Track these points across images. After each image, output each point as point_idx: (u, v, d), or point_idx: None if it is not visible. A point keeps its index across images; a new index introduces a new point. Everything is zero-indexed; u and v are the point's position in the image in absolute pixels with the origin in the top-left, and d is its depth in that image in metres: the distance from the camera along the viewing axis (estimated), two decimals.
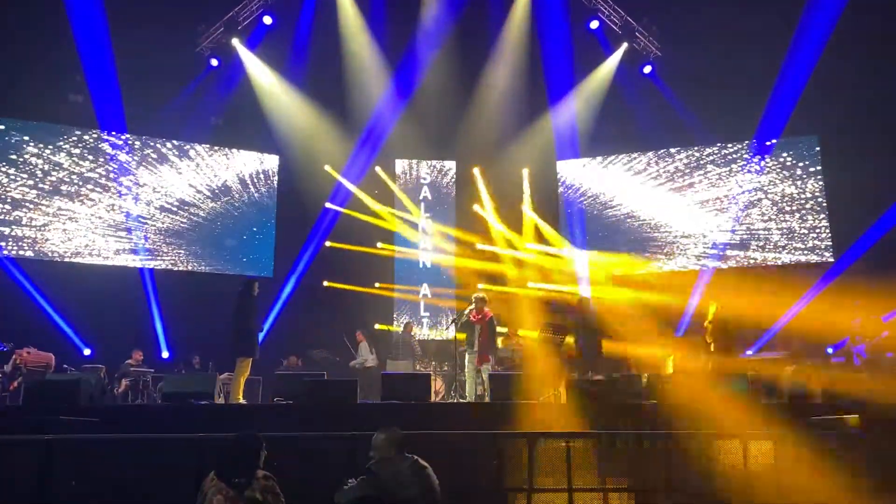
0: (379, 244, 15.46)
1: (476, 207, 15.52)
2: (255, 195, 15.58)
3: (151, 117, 14.32)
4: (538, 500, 5.56)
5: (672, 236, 15.21)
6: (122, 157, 14.50)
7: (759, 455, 5.93)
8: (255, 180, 15.62)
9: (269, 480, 3.93)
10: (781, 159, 14.71)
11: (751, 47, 13.44)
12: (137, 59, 13.38)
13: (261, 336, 9.67)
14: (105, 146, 14.39)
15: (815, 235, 14.22)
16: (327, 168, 15.26)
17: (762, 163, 14.82)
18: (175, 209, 14.77)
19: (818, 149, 14.47)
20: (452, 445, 5.98)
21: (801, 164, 14.57)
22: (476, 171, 15.68)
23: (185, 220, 14.83)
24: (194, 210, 14.94)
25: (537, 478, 5.68)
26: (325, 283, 14.62)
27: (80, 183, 14.05)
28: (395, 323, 15.40)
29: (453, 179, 16.61)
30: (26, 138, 13.74)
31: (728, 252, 14.76)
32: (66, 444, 5.78)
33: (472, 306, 10.12)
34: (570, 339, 10.08)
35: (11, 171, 13.54)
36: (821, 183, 14.33)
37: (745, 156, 14.96)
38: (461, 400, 10.09)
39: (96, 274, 13.69)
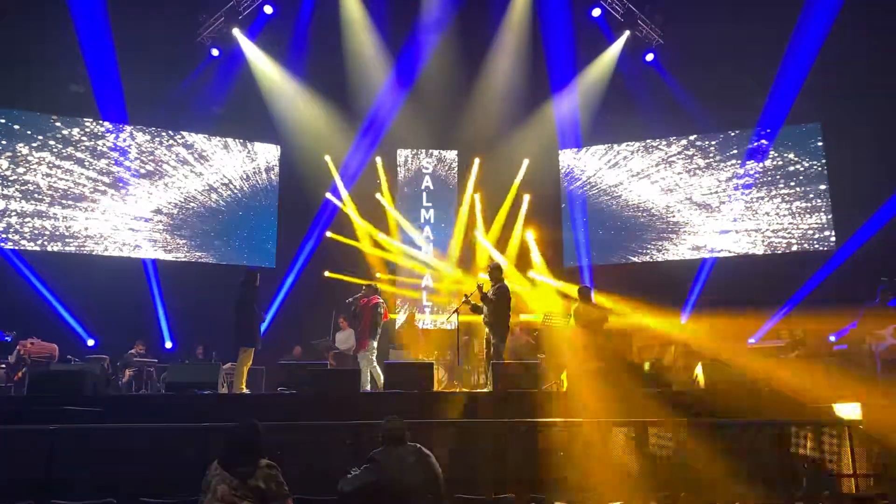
0: (381, 235, 15.47)
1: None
2: (257, 185, 15.58)
3: (152, 107, 14.29)
4: None
5: (674, 224, 15.19)
6: (124, 147, 14.49)
7: None
8: (257, 170, 15.61)
9: (273, 469, 3.95)
10: (784, 147, 14.65)
11: (753, 34, 13.37)
12: (138, 49, 13.36)
13: (263, 326, 9.71)
14: (106, 137, 14.38)
15: (817, 223, 14.19)
16: (327, 159, 15.30)
17: (765, 150, 14.77)
18: (176, 199, 14.77)
19: (821, 136, 14.42)
20: (455, 433, 6.00)
21: (803, 152, 14.52)
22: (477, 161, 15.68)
23: (186, 211, 14.83)
24: (195, 200, 14.94)
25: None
26: (327, 274, 14.60)
27: (82, 174, 14.05)
28: (398, 312, 15.41)
29: (455, 169, 16.57)
30: (27, 129, 13.73)
31: (730, 240, 14.73)
32: (70, 433, 5.81)
33: (362, 293, 10.41)
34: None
35: (13, 162, 13.55)
36: (823, 170, 14.29)
37: (748, 143, 14.90)
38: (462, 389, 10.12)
39: (99, 265, 13.72)
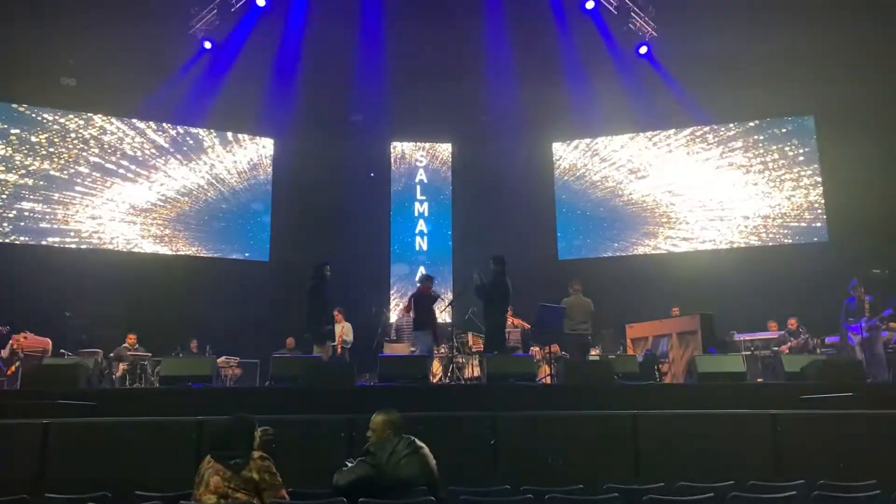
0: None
1: None
2: (251, 178, 15.53)
3: (145, 101, 14.22)
4: None
5: (667, 217, 15.23)
6: (116, 141, 14.43)
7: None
8: (250, 163, 15.57)
9: (266, 461, 3.95)
10: (777, 139, 14.70)
11: (746, 26, 13.38)
12: (130, 42, 13.26)
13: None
14: (97, 131, 14.32)
15: (810, 216, 14.24)
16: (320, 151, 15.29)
17: (758, 143, 14.81)
18: (169, 193, 14.73)
19: (814, 128, 14.46)
20: (450, 426, 6.02)
21: (796, 144, 14.56)
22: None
23: (179, 205, 14.79)
24: (189, 193, 14.91)
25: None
26: (318, 268, 14.53)
27: (73, 168, 14.00)
28: (391, 305, 15.42)
29: (449, 162, 16.56)
30: (19, 123, 13.66)
31: (723, 233, 14.79)
32: (63, 427, 5.80)
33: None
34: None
35: (4, 156, 13.47)
36: (817, 163, 14.34)
37: (741, 136, 14.94)
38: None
39: (92, 258, 13.68)
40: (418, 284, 10.73)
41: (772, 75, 13.88)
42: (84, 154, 14.11)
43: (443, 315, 10.48)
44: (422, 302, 10.09)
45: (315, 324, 9.10)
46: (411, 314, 10.40)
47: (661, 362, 10.90)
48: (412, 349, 10.88)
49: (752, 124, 14.89)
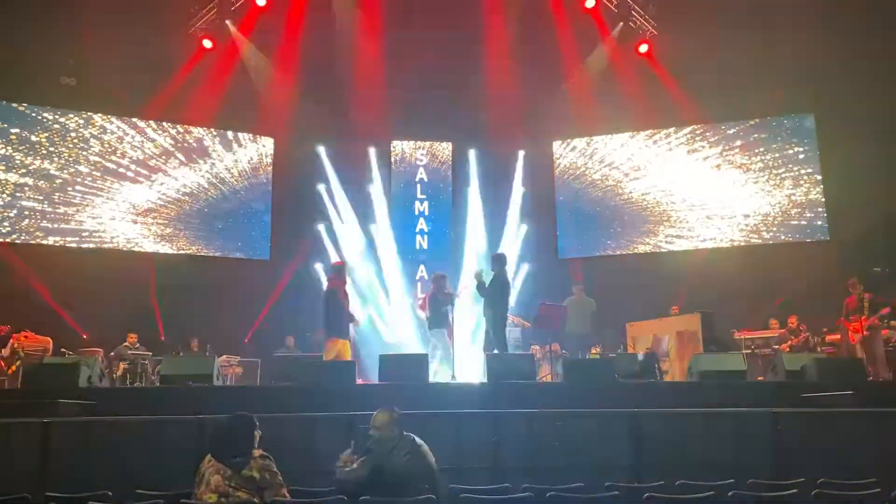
0: (373, 226, 15.47)
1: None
2: (251, 177, 15.51)
3: (144, 100, 14.20)
4: None
5: (667, 216, 15.22)
6: (116, 141, 14.42)
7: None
8: (250, 162, 15.54)
9: (266, 459, 3.96)
10: (777, 138, 14.69)
11: (746, 25, 13.38)
12: (130, 41, 13.25)
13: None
14: (97, 130, 14.30)
15: (810, 214, 14.24)
16: (321, 150, 15.28)
17: (758, 142, 14.80)
18: (170, 193, 14.71)
19: (814, 128, 14.45)
20: (451, 424, 6.02)
21: (796, 143, 14.55)
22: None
23: (179, 204, 14.77)
24: (189, 193, 14.88)
25: None
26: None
27: (74, 167, 13.98)
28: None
29: (450, 161, 16.53)
30: (19, 123, 13.64)
31: (723, 231, 14.78)
32: (64, 426, 5.80)
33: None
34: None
35: (4, 156, 13.46)
36: (817, 162, 14.33)
37: (741, 135, 14.93)
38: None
39: (93, 257, 13.66)
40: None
41: (772, 74, 13.88)
42: (84, 153, 14.10)
43: None
44: (437, 301, 10.07)
45: (332, 324, 9.13)
46: (426, 313, 10.37)
47: (662, 361, 10.90)
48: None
49: (751, 123, 14.88)
